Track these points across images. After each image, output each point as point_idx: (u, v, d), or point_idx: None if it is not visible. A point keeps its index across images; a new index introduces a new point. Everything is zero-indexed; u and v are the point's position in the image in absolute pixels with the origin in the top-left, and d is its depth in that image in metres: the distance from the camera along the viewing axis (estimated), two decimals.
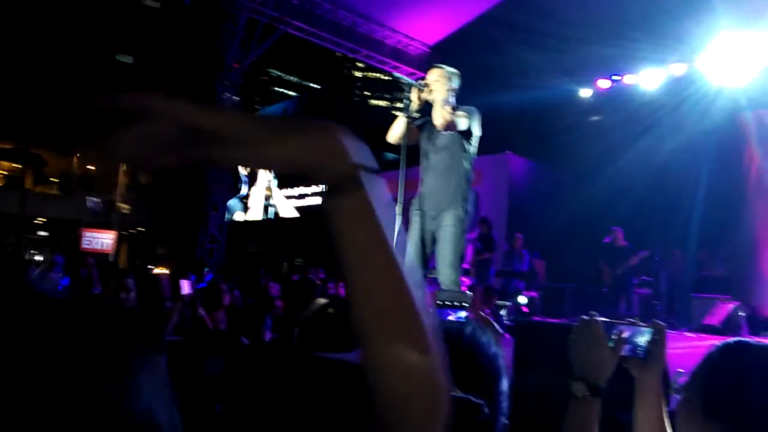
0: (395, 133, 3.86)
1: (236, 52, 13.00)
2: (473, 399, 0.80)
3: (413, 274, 0.64)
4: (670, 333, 6.93)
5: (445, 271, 3.65)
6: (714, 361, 1.10)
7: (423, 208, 3.83)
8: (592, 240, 9.64)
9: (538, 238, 10.42)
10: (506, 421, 0.87)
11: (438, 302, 1.60)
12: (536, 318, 7.59)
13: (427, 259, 3.85)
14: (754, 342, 1.10)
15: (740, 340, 1.10)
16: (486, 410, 0.81)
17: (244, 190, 20.62)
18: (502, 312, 7.93)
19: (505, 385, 0.87)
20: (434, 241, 3.83)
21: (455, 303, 1.55)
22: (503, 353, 0.91)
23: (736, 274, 8.84)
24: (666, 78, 10.05)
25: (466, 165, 3.84)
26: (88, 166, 26.14)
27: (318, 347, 3.67)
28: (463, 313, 1.53)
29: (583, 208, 9.60)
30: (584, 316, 1.21)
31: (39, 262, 10.64)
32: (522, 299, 8.59)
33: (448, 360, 0.85)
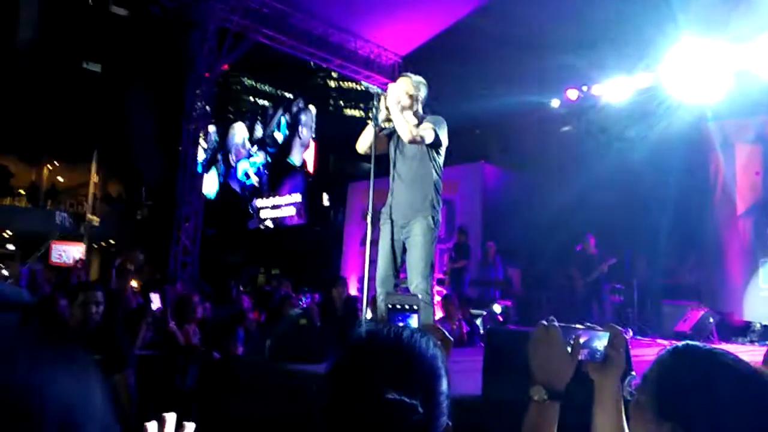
0: (363, 142, 3.85)
1: (207, 60, 12.90)
2: (407, 400, 0.81)
3: None
4: (642, 340, 7.03)
5: (416, 281, 3.64)
6: (664, 363, 1.13)
7: (392, 217, 3.81)
8: (564, 248, 9.75)
9: (513, 246, 10.50)
10: (448, 421, 0.88)
11: (388, 306, 1.59)
12: (509, 326, 7.63)
13: (398, 269, 3.84)
14: (701, 345, 1.14)
15: (688, 343, 1.14)
16: (420, 410, 0.82)
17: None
18: (478, 321, 7.96)
19: (444, 385, 0.88)
20: (404, 250, 3.82)
21: (405, 306, 1.55)
22: (444, 356, 0.93)
23: (705, 281, 9.01)
24: (633, 88, 10.26)
25: (435, 174, 3.83)
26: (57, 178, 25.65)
27: (290, 359, 3.63)
28: (413, 318, 1.52)
29: (556, 217, 9.72)
30: (543, 321, 1.23)
31: (6, 277, 10.34)
32: (496, 308, 8.64)
33: (386, 363, 0.87)
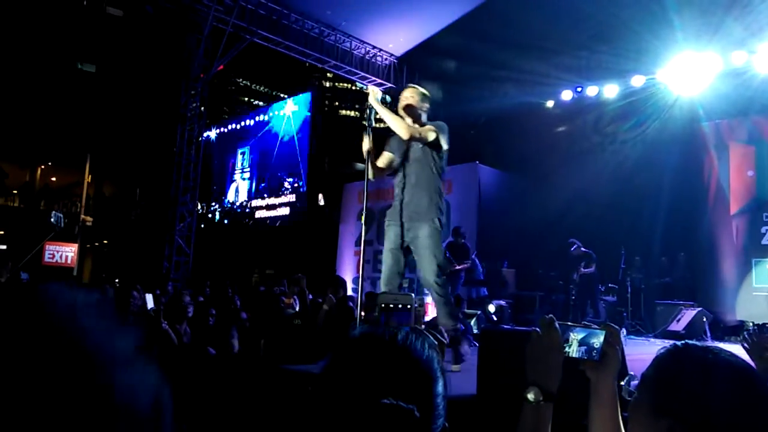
0: (366, 146, 3.87)
1: (201, 61, 12.86)
2: (403, 405, 0.80)
3: None
4: (636, 339, 7.04)
5: (431, 280, 3.66)
6: (662, 361, 1.13)
7: (399, 219, 3.82)
8: (559, 248, 9.76)
9: (508, 246, 10.49)
10: (446, 423, 0.88)
11: (381, 305, 1.59)
12: (504, 326, 7.64)
13: (403, 270, 3.86)
14: (699, 344, 1.14)
15: (686, 342, 1.15)
16: (417, 414, 0.81)
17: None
18: (472, 321, 7.95)
19: (440, 387, 0.88)
20: (408, 252, 3.83)
21: (399, 306, 1.55)
22: (440, 357, 0.92)
23: (699, 280, 9.04)
24: (627, 89, 10.29)
25: (438, 177, 3.87)
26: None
27: (284, 359, 3.63)
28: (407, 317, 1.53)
29: (550, 217, 9.73)
30: (545, 316, 1.23)
31: None
32: (491, 308, 8.63)
33: (381, 366, 0.86)
